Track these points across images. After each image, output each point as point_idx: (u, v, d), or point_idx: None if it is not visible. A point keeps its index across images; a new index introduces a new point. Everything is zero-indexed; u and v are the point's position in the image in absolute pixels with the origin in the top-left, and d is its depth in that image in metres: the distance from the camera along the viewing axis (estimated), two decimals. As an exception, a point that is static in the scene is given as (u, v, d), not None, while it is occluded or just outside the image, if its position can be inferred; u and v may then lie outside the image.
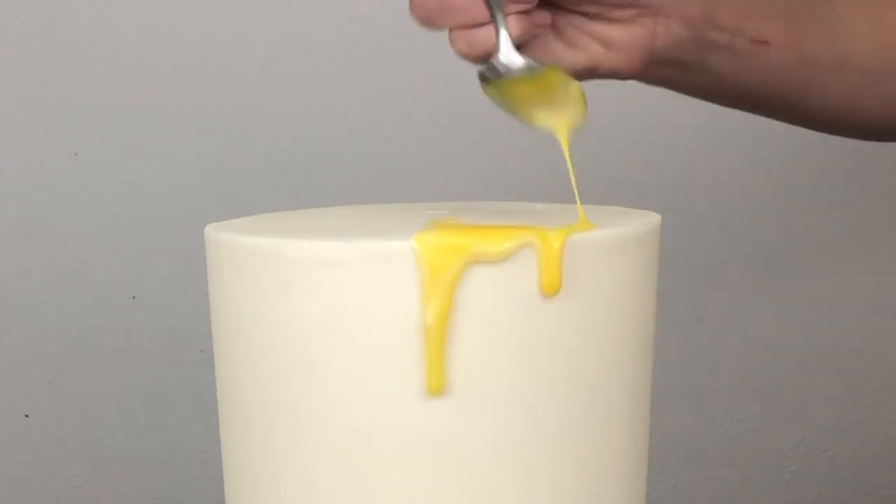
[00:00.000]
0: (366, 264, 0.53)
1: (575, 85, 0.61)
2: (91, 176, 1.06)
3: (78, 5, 1.04)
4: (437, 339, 0.53)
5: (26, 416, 1.08)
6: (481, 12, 0.61)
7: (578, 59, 0.65)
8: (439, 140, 1.06)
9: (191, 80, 1.05)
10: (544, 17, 0.63)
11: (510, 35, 0.60)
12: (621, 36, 0.65)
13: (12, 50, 1.04)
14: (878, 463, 1.13)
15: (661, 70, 0.67)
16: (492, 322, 0.54)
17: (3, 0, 1.04)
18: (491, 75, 0.61)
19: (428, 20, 0.62)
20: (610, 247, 0.56)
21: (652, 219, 0.59)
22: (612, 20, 0.65)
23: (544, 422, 0.55)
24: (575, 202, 0.59)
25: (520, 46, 0.62)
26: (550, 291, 0.54)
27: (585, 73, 0.65)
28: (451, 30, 0.62)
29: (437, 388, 0.53)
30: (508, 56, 0.60)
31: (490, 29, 0.61)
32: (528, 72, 0.60)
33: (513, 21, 0.61)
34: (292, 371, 0.54)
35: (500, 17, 0.61)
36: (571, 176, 0.59)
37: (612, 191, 1.06)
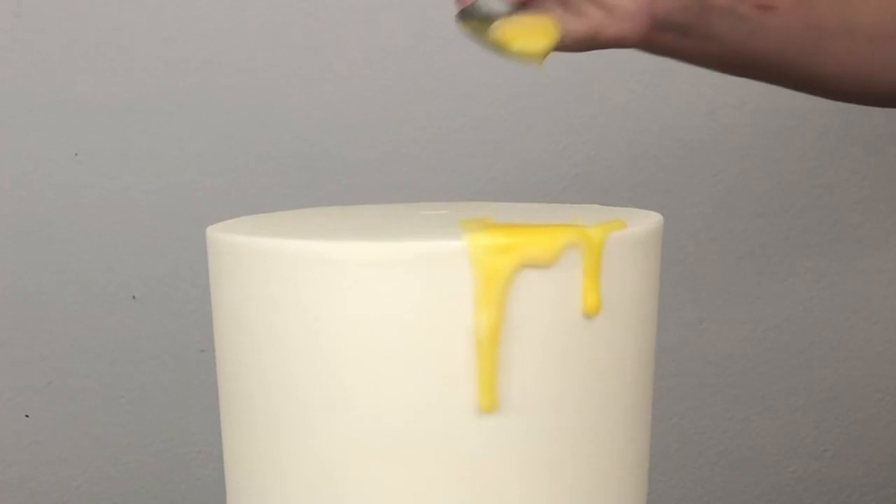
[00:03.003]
0: (415, 266, 0.51)
1: (546, 18, 0.62)
2: (91, 176, 1.06)
3: (78, 5, 1.04)
4: (490, 351, 0.51)
5: (26, 416, 1.08)
6: None
7: (580, 25, 0.65)
8: (439, 140, 1.06)
9: (191, 81, 1.05)
10: None
11: None
12: (623, 1, 0.65)
13: (12, 50, 1.04)
14: (878, 463, 1.13)
15: (663, 36, 0.67)
16: (537, 330, 0.52)
17: (2, 0, 1.04)
18: (470, 17, 0.62)
19: None
20: (640, 246, 0.56)
21: (655, 218, 0.59)
22: None
23: (578, 430, 0.54)
24: (579, 204, 0.59)
25: (524, 4, 0.62)
26: (593, 306, 0.54)
27: (587, 41, 0.65)
28: None
29: (491, 404, 0.51)
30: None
31: None
32: (508, 14, 0.62)
33: None
34: (314, 374, 0.52)
35: None
36: None
37: (612, 191, 1.06)
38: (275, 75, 1.06)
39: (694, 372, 1.11)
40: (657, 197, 1.06)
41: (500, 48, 0.61)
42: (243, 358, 0.55)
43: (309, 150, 1.06)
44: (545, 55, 0.61)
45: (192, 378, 1.07)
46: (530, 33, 0.61)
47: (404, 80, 1.05)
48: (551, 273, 0.52)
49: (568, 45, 0.65)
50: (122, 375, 1.08)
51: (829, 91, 0.74)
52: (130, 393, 1.08)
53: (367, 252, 0.51)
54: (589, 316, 0.54)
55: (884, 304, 1.11)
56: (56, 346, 1.07)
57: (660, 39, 0.67)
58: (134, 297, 1.07)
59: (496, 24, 0.61)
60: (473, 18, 0.61)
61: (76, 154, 1.06)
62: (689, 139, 1.08)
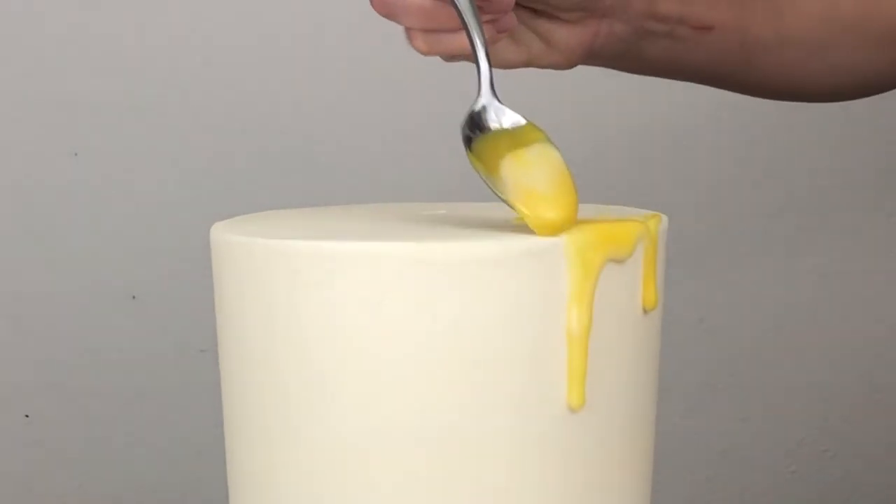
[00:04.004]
0: (511, 263, 0.50)
1: (555, 154, 0.54)
2: (91, 176, 1.06)
3: (78, 6, 1.04)
4: (582, 348, 0.50)
5: (26, 416, 1.08)
6: (448, 19, 0.58)
7: (519, 54, 0.64)
8: (439, 140, 1.06)
9: (191, 80, 1.05)
10: (510, 21, 0.61)
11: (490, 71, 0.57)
12: (565, 35, 0.64)
13: (12, 50, 1.04)
14: (878, 463, 1.13)
15: (596, 62, 0.67)
16: (611, 324, 0.52)
17: (2, 0, 1.04)
18: (473, 132, 0.56)
19: (388, 15, 0.60)
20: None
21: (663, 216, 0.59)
22: (558, 19, 0.64)
23: (636, 426, 0.54)
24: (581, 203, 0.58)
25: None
26: (652, 300, 0.53)
27: (519, 66, 0.65)
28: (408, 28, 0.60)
29: (580, 402, 0.51)
30: (489, 101, 0.56)
31: (454, 36, 0.58)
32: (511, 125, 0.56)
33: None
34: (342, 373, 0.51)
35: (480, 49, 0.57)
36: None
37: (612, 191, 1.06)
38: (275, 74, 1.06)
39: (694, 372, 1.11)
40: (657, 196, 1.06)
41: (509, 205, 0.54)
42: (256, 359, 0.54)
43: (308, 148, 1.06)
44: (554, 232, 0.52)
45: (192, 378, 1.06)
46: (545, 202, 0.53)
47: (405, 80, 1.05)
48: (623, 268, 0.52)
49: (499, 67, 0.64)
50: (122, 375, 1.08)
51: (762, 94, 0.74)
52: (130, 393, 1.08)
53: (456, 251, 0.50)
54: (647, 310, 0.54)
55: (884, 304, 1.11)
56: (56, 346, 1.07)
57: (594, 64, 0.67)
58: (134, 297, 1.07)
59: (507, 173, 0.54)
60: (473, 141, 0.55)
61: (76, 154, 1.06)
62: (688, 139, 1.08)
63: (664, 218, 0.57)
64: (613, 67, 0.69)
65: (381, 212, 0.62)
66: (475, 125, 0.56)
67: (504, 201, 0.53)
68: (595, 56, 0.66)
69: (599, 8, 0.64)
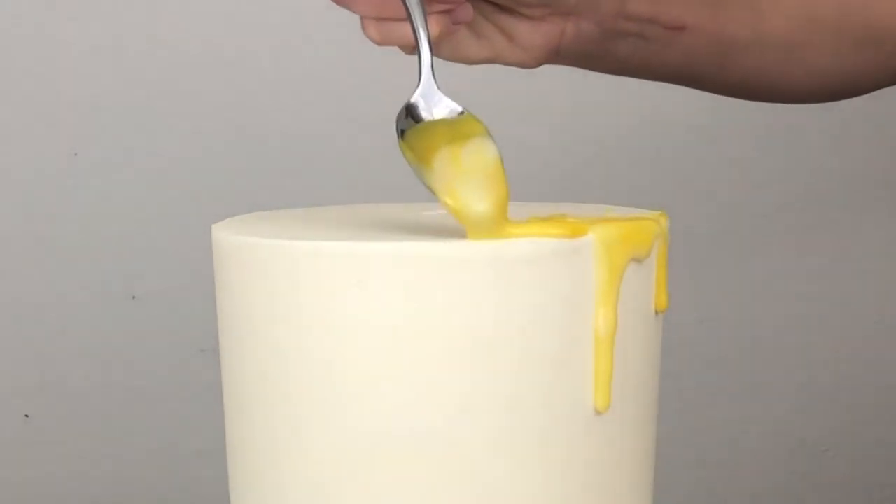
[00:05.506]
0: (538, 262, 0.49)
1: (492, 149, 0.54)
2: (91, 176, 1.06)
3: (78, 6, 1.04)
4: (608, 349, 0.49)
5: (26, 416, 1.08)
6: (400, 8, 0.57)
7: (482, 50, 0.63)
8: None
9: (191, 80, 1.05)
10: (466, 12, 0.60)
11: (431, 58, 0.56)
12: (529, 32, 0.63)
13: (12, 50, 1.04)
14: (877, 463, 1.13)
15: (564, 61, 0.66)
16: (627, 325, 0.51)
17: (2, 0, 1.04)
18: (406, 125, 0.55)
19: (341, 2, 0.59)
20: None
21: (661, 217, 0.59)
22: (521, 15, 0.63)
23: (647, 427, 0.54)
24: (580, 203, 0.58)
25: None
26: (664, 301, 0.53)
27: (483, 62, 0.64)
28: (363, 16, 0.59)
29: (606, 403, 0.50)
30: (429, 90, 0.56)
31: (407, 26, 0.57)
32: (449, 114, 0.56)
33: (432, 20, 0.58)
34: (346, 374, 0.51)
35: (423, 38, 0.56)
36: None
37: (612, 191, 1.06)
38: (275, 73, 1.06)
39: (694, 372, 1.10)
40: (656, 196, 1.06)
41: (436, 196, 0.53)
42: (260, 357, 0.53)
43: (309, 148, 1.06)
44: (479, 225, 0.52)
45: (192, 378, 1.06)
46: (472, 196, 0.52)
47: (406, 79, 1.04)
48: (640, 267, 0.52)
49: (462, 62, 0.64)
50: (122, 375, 1.08)
51: (739, 95, 0.73)
52: (130, 393, 1.08)
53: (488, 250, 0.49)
54: (659, 311, 0.53)
55: (884, 304, 1.11)
56: (56, 346, 1.07)
57: (561, 63, 0.66)
58: (134, 297, 1.07)
59: (439, 165, 0.53)
60: (406, 132, 0.55)
61: (76, 154, 1.05)
62: (688, 139, 1.08)
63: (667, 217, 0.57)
64: (583, 67, 0.68)
65: (384, 211, 0.62)
66: (413, 115, 0.56)
67: (432, 192, 0.52)
68: (562, 55, 0.65)
69: (564, 5, 0.63)
